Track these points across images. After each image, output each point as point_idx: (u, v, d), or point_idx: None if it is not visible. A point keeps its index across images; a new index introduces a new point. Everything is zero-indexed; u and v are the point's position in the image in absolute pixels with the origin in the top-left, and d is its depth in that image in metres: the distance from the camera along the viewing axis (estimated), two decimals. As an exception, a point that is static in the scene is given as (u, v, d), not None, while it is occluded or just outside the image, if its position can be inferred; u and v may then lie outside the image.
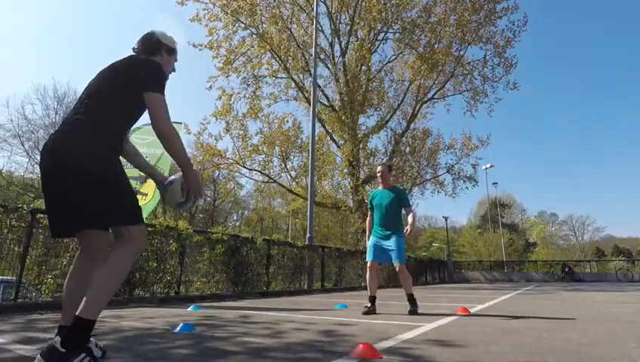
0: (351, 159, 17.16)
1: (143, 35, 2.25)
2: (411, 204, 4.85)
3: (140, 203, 4.97)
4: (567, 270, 23.08)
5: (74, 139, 1.85)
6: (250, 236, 8.81)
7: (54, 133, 1.93)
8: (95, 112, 1.91)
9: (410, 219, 4.69)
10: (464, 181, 18.78)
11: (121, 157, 2.11)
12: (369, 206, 4.93)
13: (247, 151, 17.60)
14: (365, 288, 4.86)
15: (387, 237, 4.59)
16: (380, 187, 4.91)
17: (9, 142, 25.97)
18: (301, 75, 17.88)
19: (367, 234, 4.98)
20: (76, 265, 1.98)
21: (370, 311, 4.43)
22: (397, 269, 4.53)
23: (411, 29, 17.06)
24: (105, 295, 1.77)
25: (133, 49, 2.24)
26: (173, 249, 6.82)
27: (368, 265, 4.66)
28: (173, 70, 2.32)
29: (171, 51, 2.27)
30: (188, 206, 2.16)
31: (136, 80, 1.95)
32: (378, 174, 4.93)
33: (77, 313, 1.70)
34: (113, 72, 2.01)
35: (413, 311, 4.40)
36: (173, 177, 2.18)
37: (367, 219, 4.97)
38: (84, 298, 1.72)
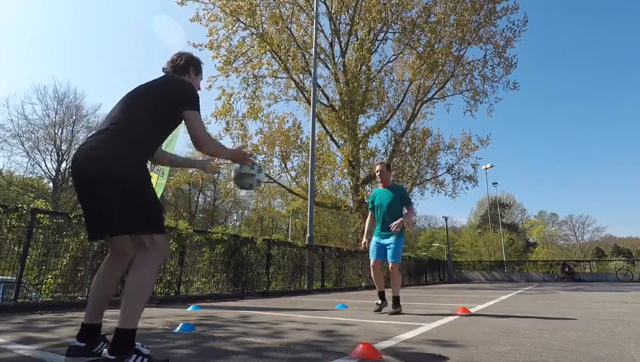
0: (351, 159, 17.16)
1: (172, 55, 2.37)
2: (412, 203, 4.83)
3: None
4: (567, 270, 23.07)
5: (105, 147, 1.93)
6: (250, 236, 8.81)
7: (87, 142, 1.99)
8: (129, 125, 2.00)
9: (406, 212, 4.69)
10: (464, 181, 18.78)
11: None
12: (370, 206, 4.93)
13: (247, 152, 17.58)
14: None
15: (387, 237, 4.59)
16: (380, 186, 4.86)
17: (9, 142, 26.04)
18: (301, 75, 17.88)
19: (365, 232, 4.99)
20: (105, 266, 2.06)
21: (381, 308, 4.52)
22: (390, 268, 4.55)
23: (411, 29, 17.05)
24: (138, 305, 1.88)
25: (163, 69, 2.36)
26: (173, 249, 6.82)
27: (372, 264, 4.65)
28: (199, 88, 2.44)
29: (198, 71, 2.41)
30: (253, 177, 2.43)
31: (171, 98, 2.07)
32: (377, 173, 4.87)
33: (117, 325, 1.79)
34: (148, 89, 2.13)
35: (397, 311, 4.40)
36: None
37: (368, 218, 4.97)
38: (120, 310, 1.82)
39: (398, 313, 4.37)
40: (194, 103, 2.09)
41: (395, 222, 4.43)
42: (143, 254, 1.90)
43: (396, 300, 4.50)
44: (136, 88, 2.15)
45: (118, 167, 1.90)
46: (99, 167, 1.88)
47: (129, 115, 2.03)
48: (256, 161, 2.47)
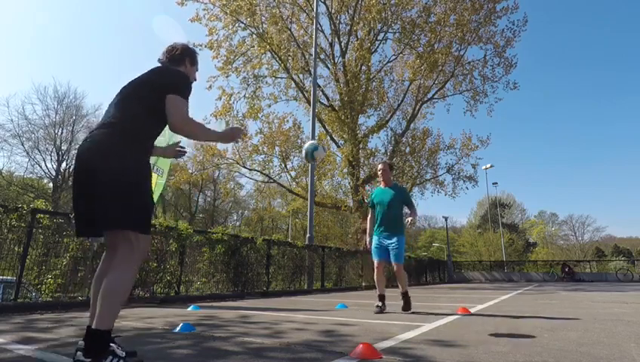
0: (351, 159, 17.15)
1: (167, 46, 2.37)
2: (414, 204, 4.87)
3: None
4: (567, 270, 23.07)
5: (105, 141, 1.95)
6: (250, 236, 8.80)
7: (87, 136, 2.02)
8: (125, 118, 2.01)
9: (408, 212, 4.78)
10: (464, 181, 18.76)
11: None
12: (370, 205, 4.94)
13: (247, 152, 17.61)
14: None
15: (389, 237, 4.62)
16: (381, 185, 4.89)
17: (9, 142, 26.02)
18: (301, 75, 17.87)
19: (367, 231, 5.00)
20: (103, 265, 2.05)
21: (382, 310, 4.51)
22: (395, 269, 4.58)
23: (411, 29, 17.04)
24: (115, 305, 1.84)
25: (159, 60, 2.36)
26: (173, 249, 6.82)
27: (375, 264, 4.70)
28: (195, 79, 2.44)
29: (193, 61, 2.41)
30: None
31: (160, 86, 2.06)
32: (379, 172, 4.91)
33: (92, 325, 1.78)
34: (142, 80, 2.13)
35: (407, 308, 4.51)
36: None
37: (369, 217, 4.97)
38: (97, 309, 1.80)
39: (409, 310, 4.50)
40: (178, 89, 2.06)
41: (410, 218, 4.60)
42: (126, 251, 1.88)
43: (406, 296, 4.55)
44: (132, 81, 2.15)
45: (117, 162, 1.90)
46: (100, 161, 1.89)
47: (125, 107, 2.04)
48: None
